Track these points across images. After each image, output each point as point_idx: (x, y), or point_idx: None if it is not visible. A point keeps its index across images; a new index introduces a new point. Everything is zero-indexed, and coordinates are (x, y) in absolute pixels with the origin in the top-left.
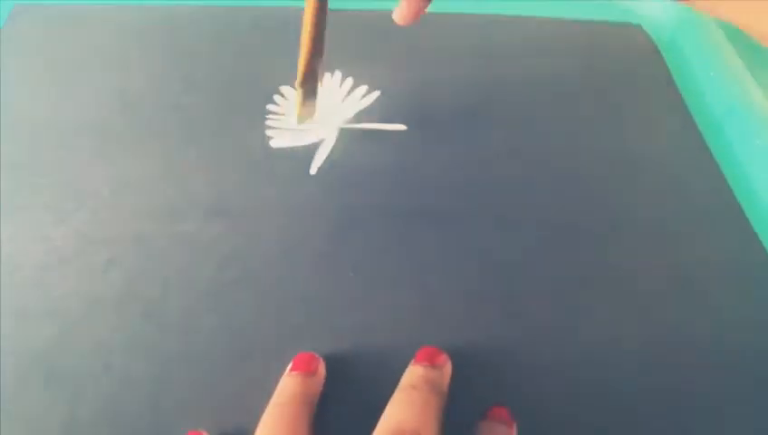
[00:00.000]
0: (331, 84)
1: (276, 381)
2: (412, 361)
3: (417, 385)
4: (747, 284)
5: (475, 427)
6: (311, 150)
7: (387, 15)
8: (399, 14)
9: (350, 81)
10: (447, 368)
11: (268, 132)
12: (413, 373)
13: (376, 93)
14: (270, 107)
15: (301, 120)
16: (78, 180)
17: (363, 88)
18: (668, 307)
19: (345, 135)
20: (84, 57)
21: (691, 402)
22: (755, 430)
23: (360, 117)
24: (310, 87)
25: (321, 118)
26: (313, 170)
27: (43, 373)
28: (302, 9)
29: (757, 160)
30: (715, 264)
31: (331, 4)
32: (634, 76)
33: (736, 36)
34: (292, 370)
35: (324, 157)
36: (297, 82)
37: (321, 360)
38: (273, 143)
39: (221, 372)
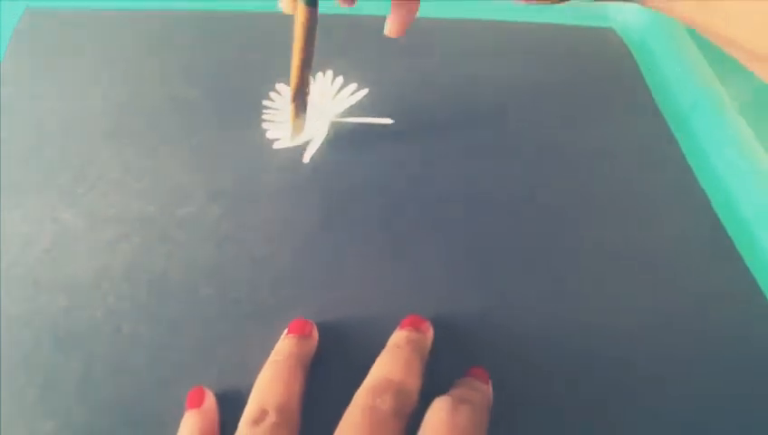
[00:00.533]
0: (323, 82)
1: (272, 345)
2: (398, 326)
3: (401, 344)
4: (711, 264)
5: (455, 382)
6: (304, 141)
7: (376, 19)
8: (390, 29)
9: (340, 79)
10: (429, 333)
11: (264, 126)
12: (398, 335)
13: (364, 91)
14: (266, 102)
15: (294, 134)
16: (88, 166)
17: (353, 86)
18: (638, 282)
19: (336, 128)
20: (90, 56)
21: (663, 366)
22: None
23: (349, 112)
24: (301, 101)
25: (313, 113)
26: (306, 159)
27: (58, 338)
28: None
29: (720, 150)
30: (681, 246)
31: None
32: (608, 76)
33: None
34: (288, 333)
35: (316, 147)
36: (290, 98)
37: (315, 325)
38: (270, 135)
39: (220, 336)
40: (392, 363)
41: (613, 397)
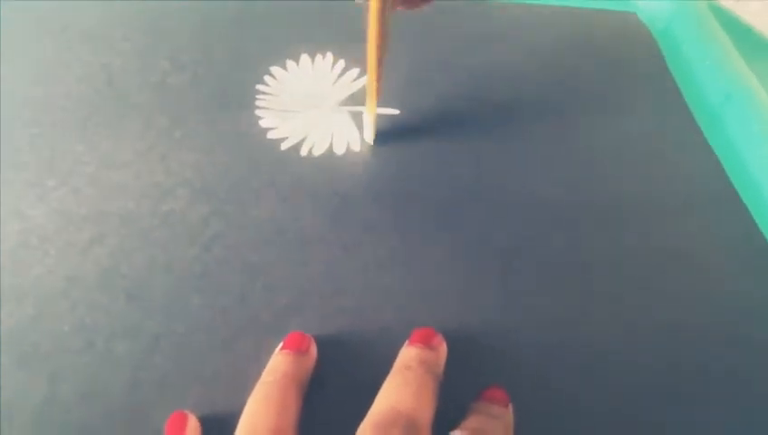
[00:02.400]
0: (323, 66)
1: (265, 362)
2: (407, 341)
3: (412, 366)
4: (747, 269)
5: (471, 407)
6: (301, 133)
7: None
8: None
9: (341, 63)
10: (442, 349)
11: (258, 112)
12: (408, 354)
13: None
14: (260, 87)
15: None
16: (60, 158)
17: (355, 71)
18: (668, 290)
19: (336, 117)
20: (69, 37)
21: (691, 383)
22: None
23: (351, 99)
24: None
25: (311, 100)
26: (304, 152)
27: (20, 353)
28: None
29: (754, 147)
30: (714, 249)
31: None
32: (630, 64)
33: (731, 24)
34: (282, 348)
35: (314, 139)
36: (370, 106)
37: (313, 339)
38: (264, 123)
39: (207, 352)
40: (401, 390)
41: (645, 417)
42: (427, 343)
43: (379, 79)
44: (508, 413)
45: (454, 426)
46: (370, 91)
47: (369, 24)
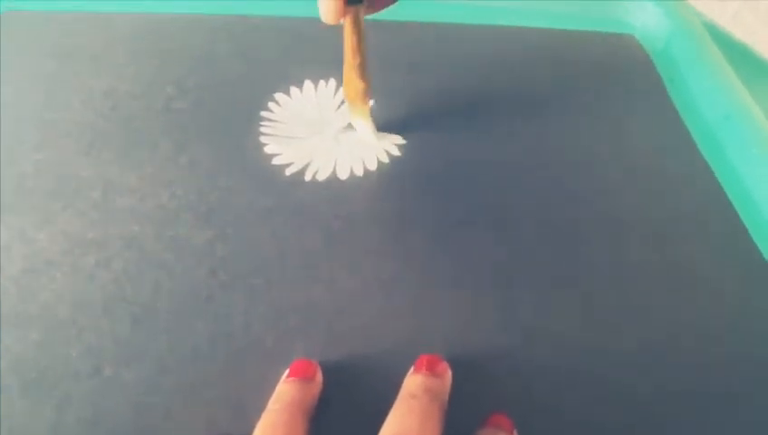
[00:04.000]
0: (326, 93)
1: (271, 387)
2: (412, 368)
3: (418, 394)
4: (745, 286)
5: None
6: (305, 159)
7: (381, 25)
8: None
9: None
10: (448, 376)
11: (262, 139)
12: (413, 382)
13: (370, 103)
14: (264, 114)
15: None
16: (66, 182)
17: None
18: (666, 308)
19: (339, 143)
20: (74, 61)
21: (692, 402)
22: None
23: (353, 126)
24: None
25: (315, 126)
26: (308, 177)
27: (27, 379)
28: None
29: (753, 169)
30: (712, 267)
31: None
32: (628, 85)
33: (727, 45)
34: (289, 376)
35: (318, 164)
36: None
37: (319, 366)
38: (268, 150)
39: (213, 377)
40: (407, 419)
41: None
42: (432, 370)
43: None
44: None
45: None
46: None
47: (345, 35)
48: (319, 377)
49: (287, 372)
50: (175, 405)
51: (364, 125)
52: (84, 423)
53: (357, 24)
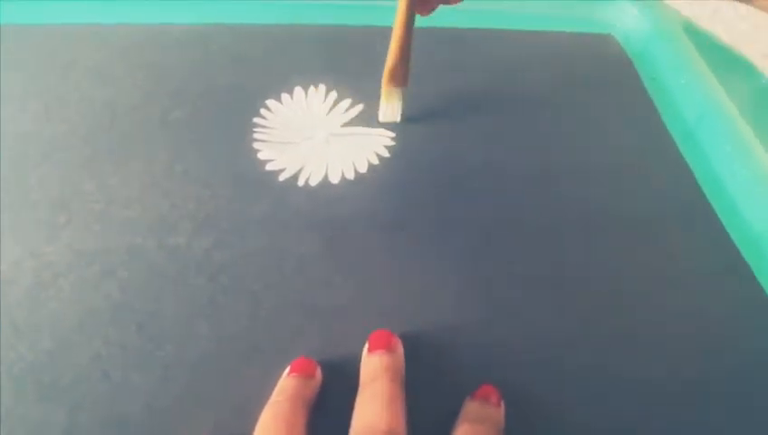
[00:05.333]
0: (316, 98)
1: (272, 385)
2: (365, 348)
3: (378, 377)
4: (719, 280)
5: (464, 406)
6: (298, 164)
7: (371, 31)
8: None
9: (333, 94)
10: (401, 350)
11: (256, 145)
12: (371, 365)
13: (360, 107)
14: (257, 120)
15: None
16: (68, 195)
17: (347, 101)
18: (646, 303)
19: (331, 148)
20: (72, 74)
21: (674, 391)
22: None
23: (344, 130)
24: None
25: (306, 132)
26: (301, 182)
27: (41, 386)
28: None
29: (728, 164)
30: (689, 262)
31: (319, 20)
32: (607, 85)
33: (707, 45)
34: (290, 373)
35: (311, 169)
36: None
37: (318, 365)
38: (262, 156)
39: (217, 379)
40: (374, 405)
41: (633, 417)
42: (386, 348)
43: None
44: (500, 412)
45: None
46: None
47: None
48: (318, 375)
49: (288, 368)
50: (182, 407)
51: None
52: (96, 427)
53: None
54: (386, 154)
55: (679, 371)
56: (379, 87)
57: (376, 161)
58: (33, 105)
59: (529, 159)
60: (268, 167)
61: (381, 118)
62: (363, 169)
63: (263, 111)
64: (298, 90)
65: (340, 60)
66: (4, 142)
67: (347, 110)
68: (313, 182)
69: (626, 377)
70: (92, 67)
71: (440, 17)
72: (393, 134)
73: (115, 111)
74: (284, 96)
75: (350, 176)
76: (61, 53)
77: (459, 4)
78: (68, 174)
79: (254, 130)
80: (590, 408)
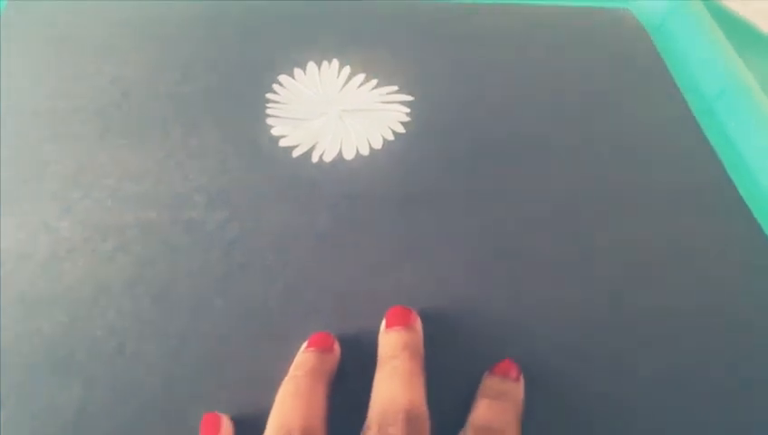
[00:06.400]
0: (329, 74)
1: (289, 362)
2: (383, 325)
3: (397, 354)
4: (744, 258)
5: (483, 381)
6: (312, 140)
7: (385, 4)
8: None
9: (347, 69)
10: (419, 326)
11: (269, 121)
12: (389, 342)
13: (374, 81)
14: (270, 96)
15: None
16: (81, 170)
17: (361, 76)
18: (666, 282)
19: (344, 123)
20: (81, 49)
21: (690, 366)
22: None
23: (358, 106)
24: None
25: (319, 107)
26: (315, 158)
27: (56, 359)
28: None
29: (749, 138)
30: (712, 240)
31: None
32: (625, 59)
33: (723, 18)
34: (308, 347)
35: (325, 145)
36: None
37: (336, 339)
38: (275, 131)
39: (233, 352)
40: (393, 383)
41: (658, 393)
42: (405, 324)
43: None
44: (519, 387)
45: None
46: None
47: None
48: (336, 349)
49: (306, 343)
50: (197, 381)
51: None
52: (111, 399)
53: None
54: (401, 129)
55: (708, 341)
56: (394, 60)
57: (391, 137)
58: (45, 81)
59: (545, 132)
60: (281, 143)
61: None
62: (378, 145)
63: (275, 86)
64: (311, 65)
65: (354, 34)
66: (18, 118)
67: (360, 85)
68: (327, 159)
69: (652, 350)
70: (103, 42)
71: None
72: (408, 109)
73: (126, 85)
74: (297, 71)
75: (365, 152)
76: (69, 28)
77: None
78: (81, 149)
79: (267, 105)
80: (612, 382)
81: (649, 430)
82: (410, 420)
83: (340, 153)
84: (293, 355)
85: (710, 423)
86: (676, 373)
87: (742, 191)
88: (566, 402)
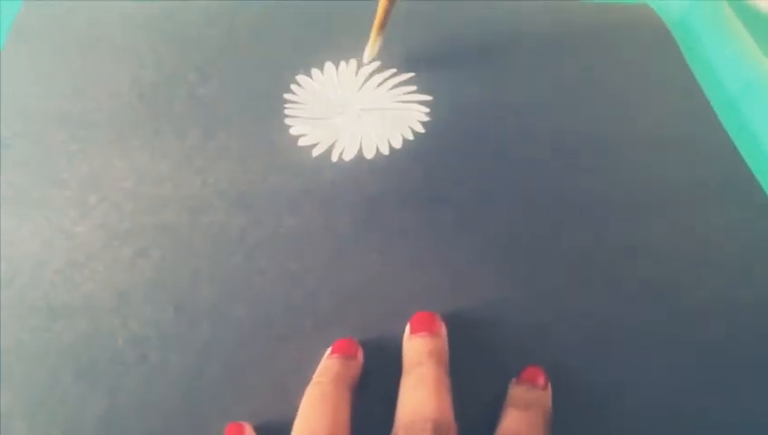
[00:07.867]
0: (347, 73)
1: (311, 370)
2: (407, 331)
3: (423, 362)
4: (764, 250)
5: (509, 390)
6: (331, 138)
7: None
8: None
9: (365, 70)
10: (444, 332)
11: (287, 121)
12: (414, 348)
13: (392, 81)
14: (287, 96)
15: (371, 57)
16: (98, 174)
17: (379, 77)
18: (687, 277)
19: (363, 122)
20: (96, 52)
21: (704, 359)
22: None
23: (377, 105)
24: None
25: (338, 107)
26: (335, 158)
27: (78, 368)
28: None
29: None
30: (732, 232)
31: None
32: (645, 55)
33: (744, 13)
34: (332, 353)
35: (344, 144)
36: (375, 28)
37: (360, 346)
38: (294, 131)
39: (256, 360)
40: (419, 392)
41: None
42: (430, 330)
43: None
44: (547, 395)
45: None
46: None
47: None
48: (360, 355)
49: (330, 349)
50: (220, 389)
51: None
52: (137, 407)
53: None
54: (421, 130)
55: (741, 344)
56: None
57: (411, 137)
58: (61, 84)
59: (567, 129)
60: (301, 142)
61: (366, 60)
62: (398, 145)
63: (293, 86)
64: (329, 65)
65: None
66: (33, 121)
67: (379, 85)
68: (347, 157)
69: (681, 359)
70: (117, 44)
71: None
72: (427, 109)
73: (142, 87)
74: (315, 71)
75: (385, 151)
76: (85, 29)
77: None
78: (97, 152)
79: (285, 106)
80: (642, 389)
81: None
82: (438, 429)
83: (360, 152)
84: (317, 362)
85: None
86: (707, 376)
87: (766, 187)
88: (597, 411)
